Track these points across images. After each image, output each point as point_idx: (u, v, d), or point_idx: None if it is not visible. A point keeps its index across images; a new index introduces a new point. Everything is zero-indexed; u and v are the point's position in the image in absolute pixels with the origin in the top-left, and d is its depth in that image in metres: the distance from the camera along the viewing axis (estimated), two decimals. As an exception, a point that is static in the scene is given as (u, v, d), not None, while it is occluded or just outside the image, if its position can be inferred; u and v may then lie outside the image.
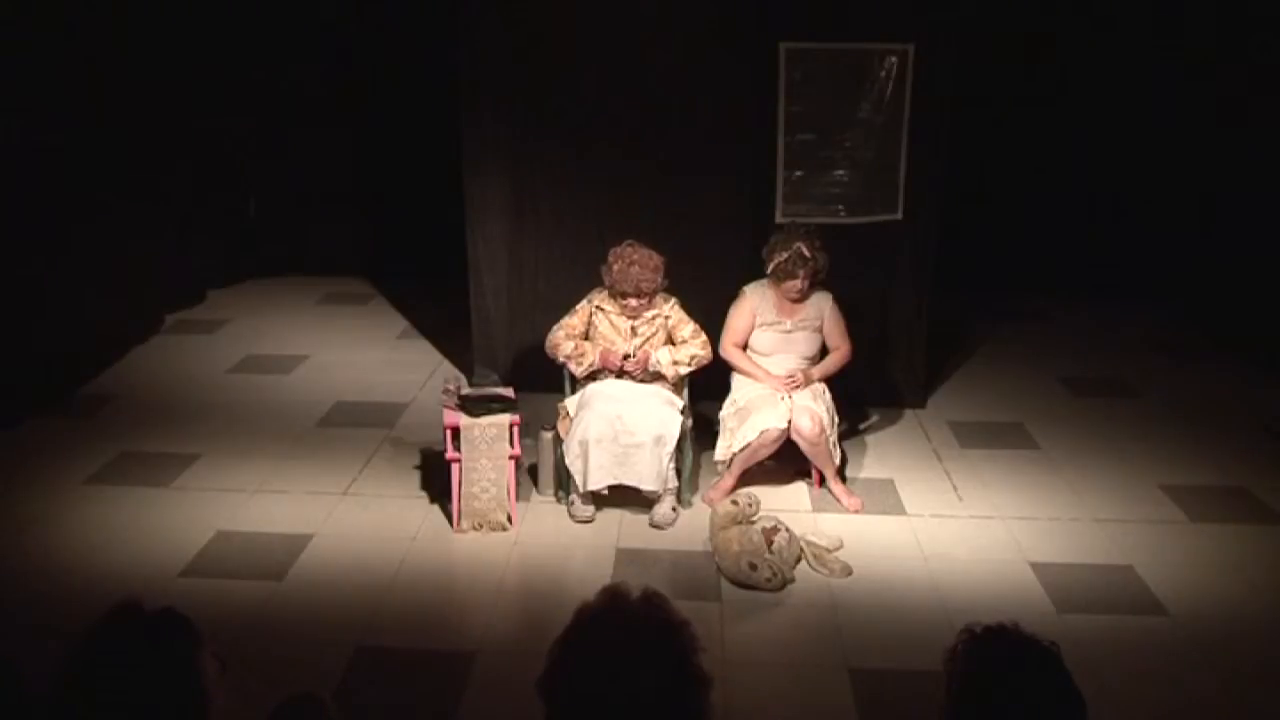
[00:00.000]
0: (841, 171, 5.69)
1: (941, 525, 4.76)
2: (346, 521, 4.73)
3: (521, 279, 6.03)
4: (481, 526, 4.64)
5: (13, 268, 5.70)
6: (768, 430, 4.73)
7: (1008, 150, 7.89)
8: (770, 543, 4.27)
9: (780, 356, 4.98)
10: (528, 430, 4.87)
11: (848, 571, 4.33)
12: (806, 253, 4.82)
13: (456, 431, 4.58)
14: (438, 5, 6.35)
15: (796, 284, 4.86)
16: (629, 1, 5.59)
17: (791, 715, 3.52)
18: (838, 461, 4.98)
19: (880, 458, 5.45)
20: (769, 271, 4.92)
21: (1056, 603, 4.13)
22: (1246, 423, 5.88)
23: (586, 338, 4.92)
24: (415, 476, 5.16)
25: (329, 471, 5.19)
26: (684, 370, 4.87)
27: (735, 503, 4.41)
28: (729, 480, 4.89)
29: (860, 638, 3.91)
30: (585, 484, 4.64)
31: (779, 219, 5.60)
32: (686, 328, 4.92)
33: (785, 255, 4.84)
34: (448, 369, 6.52)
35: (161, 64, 7.10)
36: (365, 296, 8.25)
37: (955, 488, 5.11)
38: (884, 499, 5.00)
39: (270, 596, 4.13)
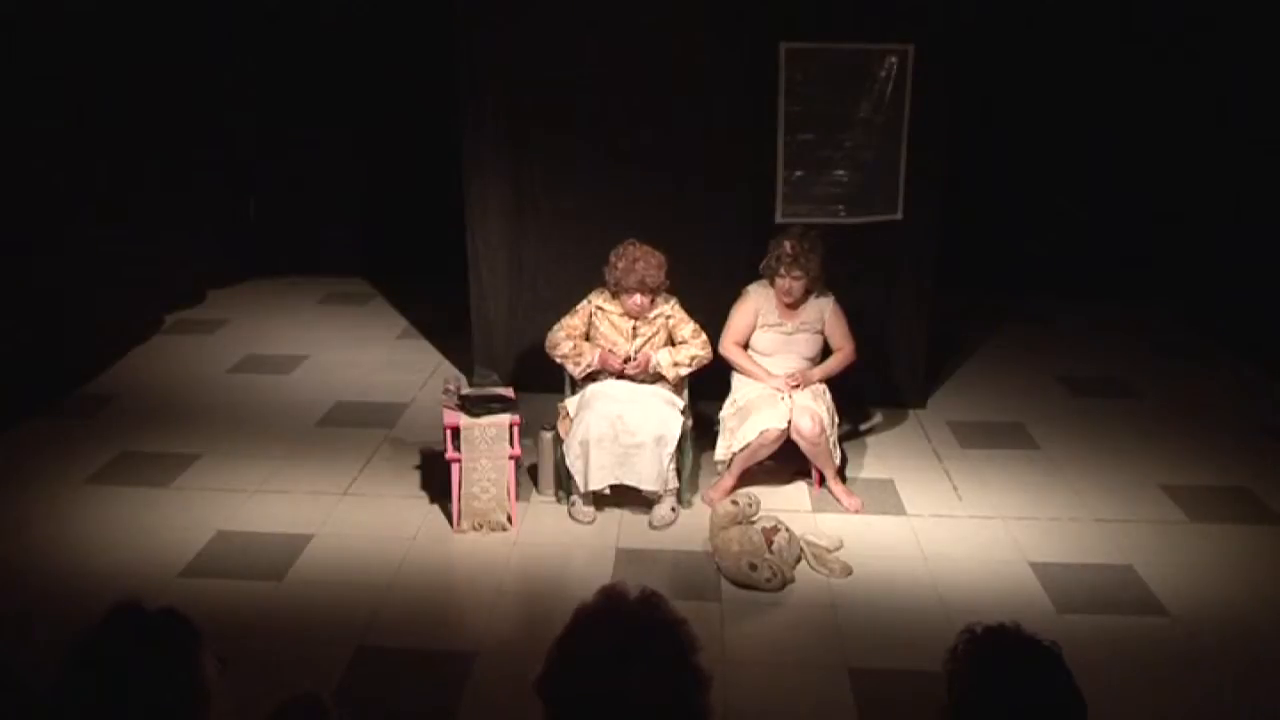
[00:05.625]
0: (841, 171, 5.69)
1: (941, 525, 4.76)
2: (346, 521, 4.73)
3: (521, 279, 6.03)
4: (481, 526, 4.64)
5: (13, 267, 5.70)
6: (768, 430, 4.73)
7: (1007, 150, 7.89)
8: (770, 543, 4.27)
9: (781, 357, 4.99)
10: (528, 430, 4.87)
11: (848, 571, 4.33)
12: (790, 250, 4.82)
13: (456, 431, 4.58)
14: (438, 5, 6.35)
15: (785, 283, 4.86)
16: (629, 2, 5.60)
17: (791, 715, 3.52)
18: (838, 461, 4.98)
19: (880, 458, 5.45)
20: (760, 269, 4.94)
21: (1056, 603, 4.13)
22: (1246, 423, 5.88)
23: (587, 338, 4.93)
24: (415, 476, 5.16)
25: (329, 471, 5.19)
26: (684, 371, 4.87)
27: (735, 503, 4.41)
28: (729, 480, 4.89)
29: (860, 638, 3.91)
30: (586, 484, 4.64)
31: (779, 219, 5.60)
32: (686, 327, 4.92)
33: (774, 254, 4.86)
34: (448, 369, 6.53)
35: (162, 63, 7.10)
36: (365, 296, 8.25)
37: (955, 488, 5.11)
38: (884, 499, 5.00)
39: (270, 596, 4.13)
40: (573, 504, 4.78)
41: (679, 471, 4.80)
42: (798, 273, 4.83)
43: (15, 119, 5.72)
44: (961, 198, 6.56)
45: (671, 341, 4.93)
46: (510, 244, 5.97)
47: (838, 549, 4.48)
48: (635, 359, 4.84)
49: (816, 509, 4.90)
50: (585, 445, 4.62)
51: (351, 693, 3.53)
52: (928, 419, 5.95)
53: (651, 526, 4.70)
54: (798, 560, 4.36)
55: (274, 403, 6.12)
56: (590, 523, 4.73)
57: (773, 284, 4.92)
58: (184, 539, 4.53)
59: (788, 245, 4.84)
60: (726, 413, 4.94)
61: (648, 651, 1.72)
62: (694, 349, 4.88)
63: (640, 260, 4.74)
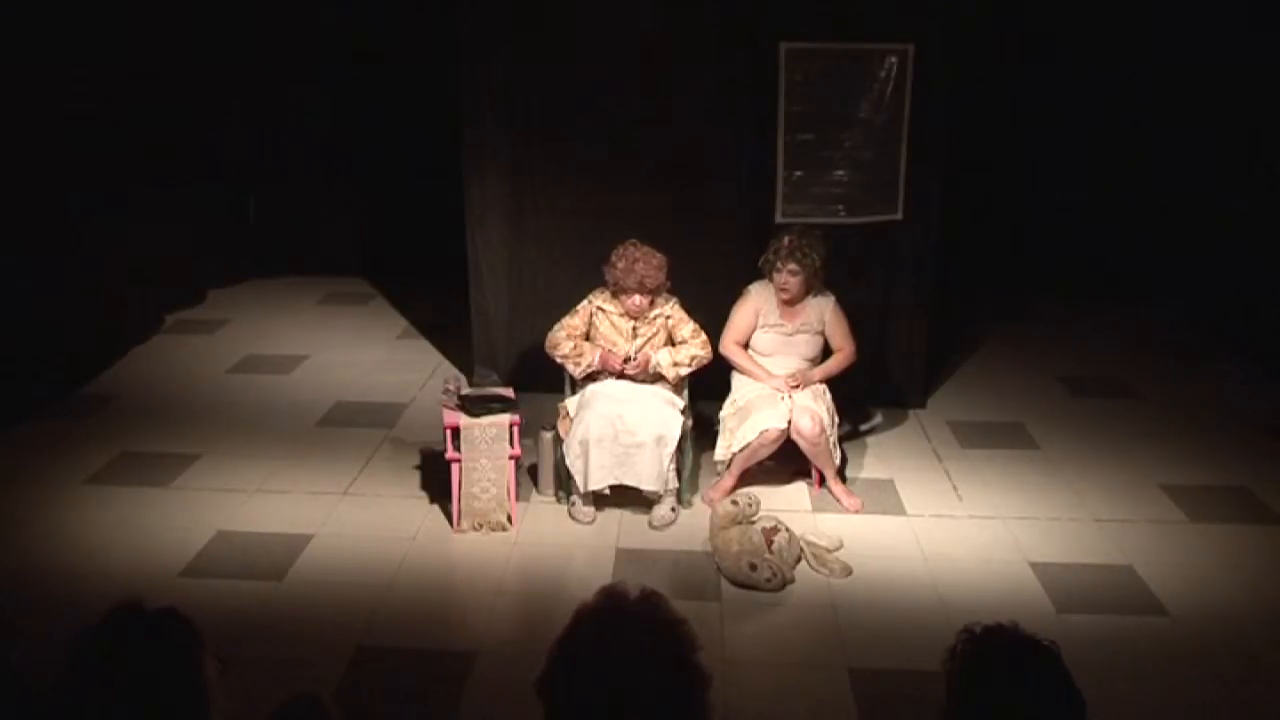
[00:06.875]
0: (841, 171, 5.69)
1: (941, 525, 4.76)
2: (346, 521, 4.73)
3: (521, 279, 6.03)
4: (481, 526, 4.64)
5: (13, 268, 5.69)
6: (768, 430, 4.73)
7: (1008, 150, 7.88)
8: (770, 543, 4.27)
9: (781, 358, 4.99)
10: (528, 430, 4.87)
11: (848, 571, 4.33)
12: (787, 244, 4.84)
13: (456, 431, 4.58)
14: (439, 5, 6.35)
15: (782, 278, 4.86)
16: (629, 2, 5.60)
17: (791, 715, 3.52)
18: (838, 462, 4.98)
19: (880, 458, 5.45)
20: (759, 264, 4.94)
21: (1056, 603, 4.13)
22: (1246, 423, 5.88)
23: (587, 338, 4.93)
24: (415, 476, 5.16)
25: (329, 471, 5.19)
26: (684, 371, 4.87)
27: (735, 503, 4.41)
28: (729, 480, 4.89)
29: (860, 638, 3.91)
30: (586, 484, 4.64)
31: (779, 219, 5.60)
32: (686, 327, 4.92)
33: (773, 248, 4.89)
34: (448, 369, 6.53)
35: (163, 64, 7.10)
36: (365, 296, 8.25)
37: (955, 488, 5.11)
38: (884, 499, 5.00)
39: (270, 596, 4.13)
40: (573, 504, 4.78)
41: (679, 471, 4.80)
42: (794, 266, 4.83)
43: (15, 119, 5.71)
44: (961, 197, 6.56)
45: (671, 341, 4.93)
46: (510, 244, 5.97)
47: (838, 549, 4.48)
48: (635, 359, 4.84)
49: (816, 509, 4.90)
50: (585, 445, 4.62)
51: (351, 693, 3.53)
52: (928, 419, 5.95)
53: (651, 526, 4.70)
54: (798, 560, 4.36)
55: (274, 403, 6.11)
56: (590, 523, 4.73)
57: (771, 279, 4.93)
58: (184, 539, 4.53)
59: (786, 240, 4.85)
60: (726, 413, 4.94)
61: (648, 651, 1.72)
62: (694, 349, 4.88)
63: (640, 261, 4.74)
